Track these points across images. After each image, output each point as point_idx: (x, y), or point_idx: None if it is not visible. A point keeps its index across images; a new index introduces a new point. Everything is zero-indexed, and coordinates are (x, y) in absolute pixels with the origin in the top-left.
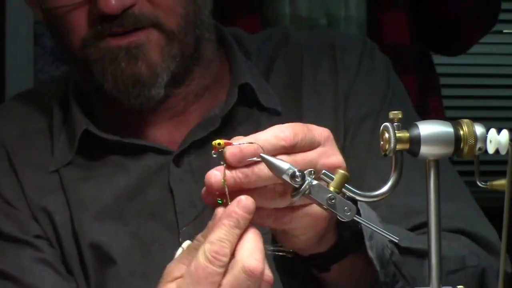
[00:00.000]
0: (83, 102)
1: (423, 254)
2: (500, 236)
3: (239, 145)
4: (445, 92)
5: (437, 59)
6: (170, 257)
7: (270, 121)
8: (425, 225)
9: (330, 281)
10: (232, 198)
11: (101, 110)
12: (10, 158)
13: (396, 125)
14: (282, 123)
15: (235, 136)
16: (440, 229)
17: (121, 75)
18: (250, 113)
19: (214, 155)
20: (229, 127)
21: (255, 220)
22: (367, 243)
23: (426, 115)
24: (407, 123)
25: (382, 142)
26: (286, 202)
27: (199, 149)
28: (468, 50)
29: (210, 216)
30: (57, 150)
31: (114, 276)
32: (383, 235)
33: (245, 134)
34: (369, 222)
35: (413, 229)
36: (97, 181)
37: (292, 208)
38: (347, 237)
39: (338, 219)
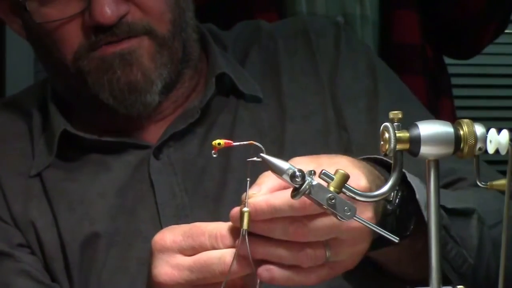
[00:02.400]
0: (62, 106)
1: (469, 213)
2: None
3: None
4: (455, 92)
5: (447, 59)
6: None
7: (246, 108)
8: (457, 181)
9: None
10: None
11: (81, 113)
12: None
13: (396, 125)
14: (262, 110)
15: (213, 126)
16: (440, 229)
17: (117, 82)
18: (227, 101)
19: (214, 155)
20: (207, 117)
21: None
22: (424, 213)
23: (437, 117)
24: (402, 99)
25: (382, 142)
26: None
27: (179, 141)
28: (479, 53)
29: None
30: (37, 153)
31: (97, 275)
32: (383, 235)
33: (223, 123)
34: (369, 222)
35: (445, 186)
36: (80, 182)
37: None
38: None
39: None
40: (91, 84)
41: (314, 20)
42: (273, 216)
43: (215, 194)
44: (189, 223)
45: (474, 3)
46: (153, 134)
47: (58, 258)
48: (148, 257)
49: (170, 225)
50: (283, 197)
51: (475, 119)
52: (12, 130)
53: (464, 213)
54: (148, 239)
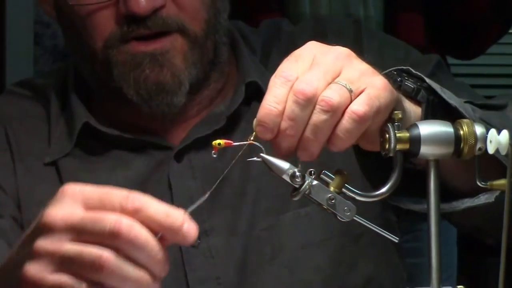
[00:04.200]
0: (83, 96)
1: (501, 106)
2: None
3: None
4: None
5: (450, 59)
6: (167, 254)
7: None
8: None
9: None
10: None
11: (103, 104)
12: (8, 138)
13: (396, 125)
14: None
15: (237, 133)
16: (440, 229)
17: (145, 81)
18: (251, 108)
19: (214, 155)
20: (232, 125)
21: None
22: (461, 109)
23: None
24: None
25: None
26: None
27: (201, 146)
28: (482, 53)
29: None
30: (55, 140)
31: None
32: (383, 235)
33: (247, 130)
34: (369, 222)
35: None
36: (96, 175)
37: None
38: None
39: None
40: (116, 76)
41: (334, 21)
42: None
43: (233, 202)
44: (205, 229)
45: (478, 4)
46: (175, 135)
47: None
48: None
49: None
50: None
51: None
52: (30, 110)
53: (495, 107)
54: None
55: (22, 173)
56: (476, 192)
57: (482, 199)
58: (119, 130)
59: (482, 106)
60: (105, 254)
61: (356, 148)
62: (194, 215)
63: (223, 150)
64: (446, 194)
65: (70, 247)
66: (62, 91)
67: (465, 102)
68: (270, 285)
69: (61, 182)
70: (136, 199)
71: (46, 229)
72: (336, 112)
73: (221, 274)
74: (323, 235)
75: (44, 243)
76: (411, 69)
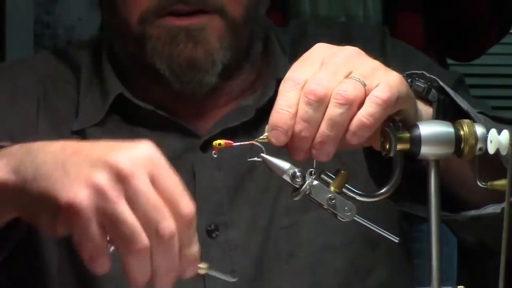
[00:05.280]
0: (115, 69)
1: None
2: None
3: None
4: None
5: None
6: None
7: None
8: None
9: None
10: None
11: (134, 80)
12: (38, 91)
13: (396, 125)
14: None
15: (264, 127)
16: (440, 229)
17: (178, 56)
18: None
19: (215, 155)
20: (260, 119)
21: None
22: (472, 114)
23: None
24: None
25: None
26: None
27: (228, 138)
28: (480, 56)
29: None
30: (83, 109)
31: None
32: (382, 234)
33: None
34: (369, 222)
35: None
36: None
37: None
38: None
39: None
40: (149, 50)
41: (361, 27)
42: None
43: (255, 197)
44: (225, 221)
45: (477, 6)
46: (202, 124)
47: None
48: None
49: (206, 220)
50: None
51: None
52: (62, 74)
53: (509, 121)
54: None
55: (45, 131)
56: (484, 204)
57: (489, 209)
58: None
59: (494, 118)
60: (147, 245)
61: (366, 151)
62: (214, 206)
63: (251, 147)
64: (455, 205)
65: (130, 216)
66: (95, 62)
67: (478, 112)
68: (287, 284)
69: None
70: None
71: (114, 171)
72: (352, 106)
73: (237, 267)
74: (344, 239)
75: (111, 184)
76: (425, 73)
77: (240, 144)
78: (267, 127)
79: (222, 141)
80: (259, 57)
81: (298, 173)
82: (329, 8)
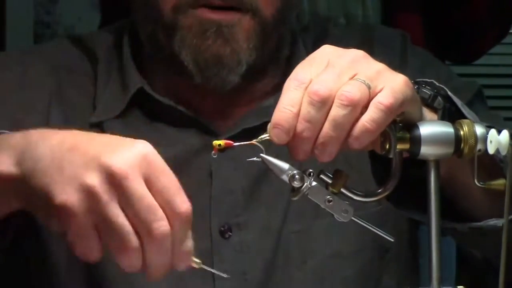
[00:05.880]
0: (136, 59)
1: None
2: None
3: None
4: None
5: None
6: (197, 242)
7: None
8: None
9: None
10: None
11: (155, 73)
12: (51, 82)
13: (397, 125)
14: None
15: None
16: (440, 229)
17: (205, 51)
18: None
19: (214, 156)
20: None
21: None
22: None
23: None
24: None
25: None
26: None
27: (248, 138)
28: (479, 58)
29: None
30: (103, 101)
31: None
32: (381, 234)
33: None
34: (366, 222)
35: None
36: None
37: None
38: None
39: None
40: (177, 40)
41: (382, 30)
42: None
43: (269, 199)
44: (238, 223)
45: (476, 7)
46: (222, 121)
47: None
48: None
49: (220, 220)
50: None
51: None
52: (79, 65)
53: None
54: (194, 230)
55: (59, 123)
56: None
57: (491, 222)
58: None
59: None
60: (137, 247)
61: (370, 153)
62: (229, 207)
63: (268, 146)
64: (458, 217)
65: (121, 218)
66: (114, 52)
67: (487, 126)
68: None
69: None
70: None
71: (107, 172)
72: (356, 108)
73: (249, 269)
74: (355, 247)
75: (103, 186)
76: (435, 82)
77: (240, 144)
78: (269, 125)
79: (222, 142)
80: (285, 61)
81: (297, 175)
82: (328, 7)
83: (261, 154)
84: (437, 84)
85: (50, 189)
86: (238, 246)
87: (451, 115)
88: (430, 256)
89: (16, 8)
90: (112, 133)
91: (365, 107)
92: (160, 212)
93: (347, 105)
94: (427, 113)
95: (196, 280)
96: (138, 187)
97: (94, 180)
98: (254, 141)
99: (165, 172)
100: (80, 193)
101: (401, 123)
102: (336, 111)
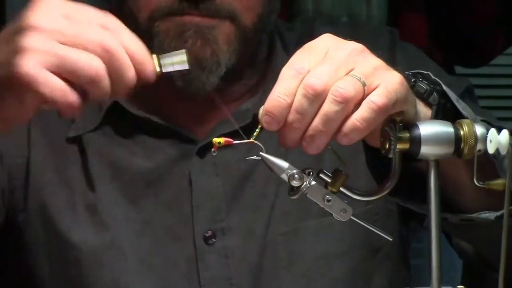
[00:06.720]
0: None
1: None
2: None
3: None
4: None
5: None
6: (181, 250)
7: None
8: None
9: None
10: None
11: None
12: None
13: (397, 125)
14: None
15: (262, 133)
16: (440, 229)
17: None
18: None
19: (214, 153)
20: (257, 124)
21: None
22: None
23: None
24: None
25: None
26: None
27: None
28: (488, 62)
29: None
30: (80, 115)
31: (118, 259)
32: (380, 234)
33: (273, 132)
34: (366, 222)
35: None
36: (117, 158)
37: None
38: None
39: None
40: (155, 45)
41: (369, 28)
42: None
43: (253, 202)
44: (222, 228)
45: (482, 10)
46: (200, 127)
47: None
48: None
49: (203, 227)
50: None
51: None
52: None
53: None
54: (178, 238)
55: (38, 139)
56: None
57: (482, 215)
58: (147, 113)
59: (499, 129)
60: (99, 62)
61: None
62: (212, 214)
63: (248, 149)
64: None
65: (66, 49)
66: None
67: (482, 120)
68: None
69: (85, 155)
70: (115, 22)
71: (33, 30)
72: (348, 104)
73: (234, 275)
74: (344, 247)
75: (36, 41)
76: (430, 74)
77: (240, 143)
78: (261, 109)
79: (221, 140)
80: (262, 60)
81: (296, 174)
82: (332, 6)
83: (261, 153)
84: (433, 77)
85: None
86: (222, 252)
87: (445, 111)
88: (430, 256)
89: (16, 8)
90: (92, 146)
91: (358, 104)
92: (99, 28)
93: (340, 102)
94: (422, 107)
95: (183, 284)
96: (70, 25)
97: (33, 39)
98: (253, 140)
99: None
100: (26, 55)
101: (401, 123)
102: (329, 107)
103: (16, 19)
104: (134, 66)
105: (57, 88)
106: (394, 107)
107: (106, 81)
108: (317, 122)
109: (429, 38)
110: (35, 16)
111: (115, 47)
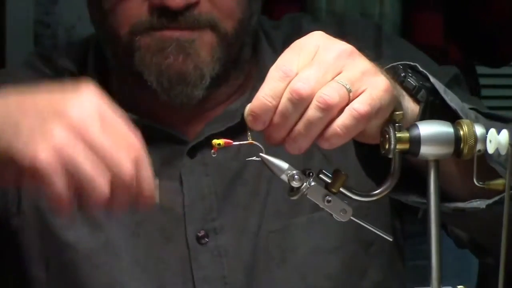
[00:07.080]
0: (101, 76)
1: (507, 119)
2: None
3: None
4: (483, 92)
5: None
6: (175, 250)
7: None
8: None
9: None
10: None
11: (121, 87)
12: None
13: (397, 125)
14: None
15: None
16: (440, 229)
17: (167, 69)
18: None
19: (214, 155)
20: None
21: None
22: (461, 113)
23: None
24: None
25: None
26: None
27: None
28: (510, 62)
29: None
30: None
31: (113, 260)
32: (379, 233)
33: (261, 132)
34: (366, 222)
35: None
36: None
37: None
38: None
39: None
40: (137, 60)
41: (355, 23)
42: None
43: (245, 201)
44: (214, 227)
45: (500, 8)
46: (191, 129)
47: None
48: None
49: (195, 227)
50: None
51: None
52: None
53: (501, 119)
54: (171, 239)
55: None
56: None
57: (473, 204)
58: (137, 116)
59: (488, 116)
60: (107, 189)
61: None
62: (204, 213)
63: (238, 150)
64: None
65: (85, 157)
66: (80, 71)
67: (470, 108)
68: None
69: None
70: (140, 149)
71: (65, 120)
72: (332, 111)
73: (228, 274)
74: (336, 242)
75: (64, 136)
76: (418, 66)
77: (240, 144)
78: (247, 107)
79: (221, 141)
80: (248, 60)
81: (296, 175)
82: (345, 5)
83: (261, 154)
84: (420, 68)
85: (13, 152)
86: (215, 251)
87: (433, 108)
88: (430, 256)
89: (16, 8)
90: None
91: (342, 110)
92: (123, 155)
93: (323, 109)
94: (409, 103)
95: (177, 284)
96: (99, 134)
97: (59, 133)
98: (254, 142)
99: (116, 116)
100: (47, 148)
101: (400, 122)
102: (312, 112)
103: (61, 89)
104: (136, 196)
105: (58, 193)
106: (377, 114)
107: (103, 203)
108: (300, 126)
109: (444, 37)
110: (75, 105)
111: (129, 183)
